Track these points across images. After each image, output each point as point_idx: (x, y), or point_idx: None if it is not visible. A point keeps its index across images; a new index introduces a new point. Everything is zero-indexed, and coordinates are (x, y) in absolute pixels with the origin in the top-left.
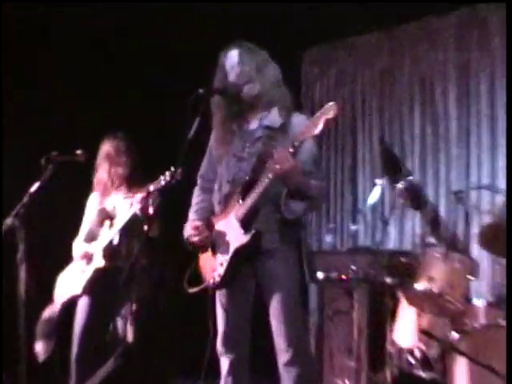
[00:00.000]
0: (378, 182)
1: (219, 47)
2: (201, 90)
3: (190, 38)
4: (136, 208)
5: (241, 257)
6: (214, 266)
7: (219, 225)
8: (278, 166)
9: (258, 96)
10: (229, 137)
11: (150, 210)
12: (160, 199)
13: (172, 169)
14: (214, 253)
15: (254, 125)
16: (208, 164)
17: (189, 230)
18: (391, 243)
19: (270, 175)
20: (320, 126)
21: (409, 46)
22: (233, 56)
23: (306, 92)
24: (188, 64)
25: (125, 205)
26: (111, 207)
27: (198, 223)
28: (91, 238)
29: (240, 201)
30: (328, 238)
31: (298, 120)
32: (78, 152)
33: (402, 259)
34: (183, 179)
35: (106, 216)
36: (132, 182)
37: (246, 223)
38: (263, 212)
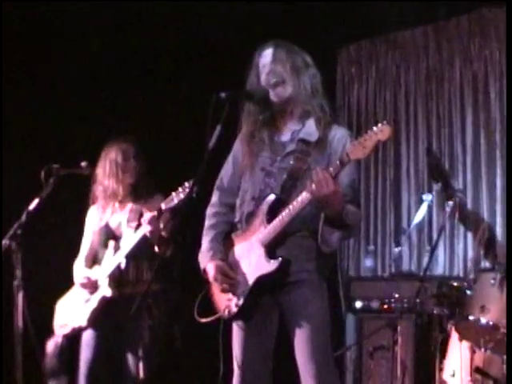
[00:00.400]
0: (425, 197)
1: (243, 47)
2: (223, 94)
3: (211, 36)
4: (145, 230)
5: (264, 287)
6: (229, 295)
7: (238, 248)
8: (317, 189)
9: (289, 100)
10: (257, 147)
11: (162, 232)
12: (173, 218)
13: (186, 184)
14: (231, 279)
15: (286, 136)
16: (231, 175)
17: (211, 270)
18: (440, 268)
19: (306, 197)
20: (369, 150)
21: (459, 41)
22: (267, 54)
23: (341, 96)
24: (205, 63)
25: (132, 222)
26: (115, 224)
27: (222, 264)
28: (93, 260)
29: (265, 222)
30: (367, 262)
31: (338, 135)
32: (83, 164)
33: (453, 286)
34: (200, 195)
35: (110, 235)
36: (139, 192)
37: (271, 249)
38: (292, 237)
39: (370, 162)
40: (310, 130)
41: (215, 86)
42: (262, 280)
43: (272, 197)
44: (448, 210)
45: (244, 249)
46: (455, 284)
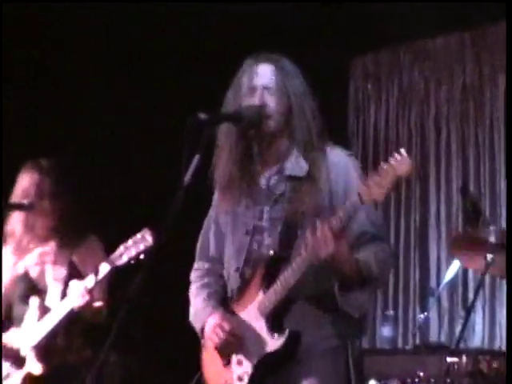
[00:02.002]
0: None
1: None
2: (202, 115)
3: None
4: (73, 304)
5: (268, 367)
6: (226, 378)
7: (233, 320)
8: (312, 254)
9: (277, 134)
10: (241, 194)
11: (97, 302)
12: (115, 279)
13: (139, 236)
14: (226, 356)
15: (268, 178)
16: (215, 240)
17: (213, 326)
18: (477, 339)
19: (305, 258)
20: (387, 190)
21: (501, 52)
22: (265, 74)
23: (354, 119)
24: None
25: (59, 277)
26: (36, 273)
27: (230, 316)
28: (9, 317)
29: (264, 289)
30: (385, 331)
31: (335, 159)
32: (25, 202)
33: (493, 362)
34: (168, 246)
35: (31, 289)
36: (66, 233)
37: (274, 320)
38: (300, 301)
39: (388, 204)
40: (296, 160)
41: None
42: (266, 360)
43: (269, 255)
44: (487, 265)
45: (240, 321)
46: (496, 360)
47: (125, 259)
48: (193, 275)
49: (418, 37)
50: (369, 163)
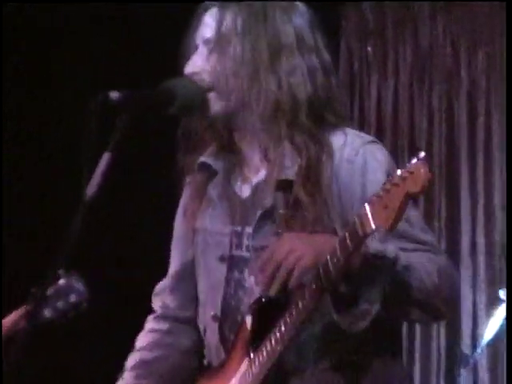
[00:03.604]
0: (504, 295)
1: None
2: (114, 94)
3: None
4: None
5: None
6: None
7: None
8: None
9: (238, 115)
10: (206, 213)
11: None
12: None
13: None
14: None
15: (250, 184)
16: (184, 270)
17: None
18: None
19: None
20: (396, 213)
21: None
22: (209, 22)
23: (348, 93)
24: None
25: None
26: None
27: None
28: None
29: (250, 351)
30: None
31: (347, 148)
32: None
33: None
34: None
35: None
36: None
37: None
38: (303, 375)
39: None
40: (288, 157)
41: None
42: None
43: (258, 301)
44: None
45: None
46: None
47: None
48: (147, 328)
49: None
50: None
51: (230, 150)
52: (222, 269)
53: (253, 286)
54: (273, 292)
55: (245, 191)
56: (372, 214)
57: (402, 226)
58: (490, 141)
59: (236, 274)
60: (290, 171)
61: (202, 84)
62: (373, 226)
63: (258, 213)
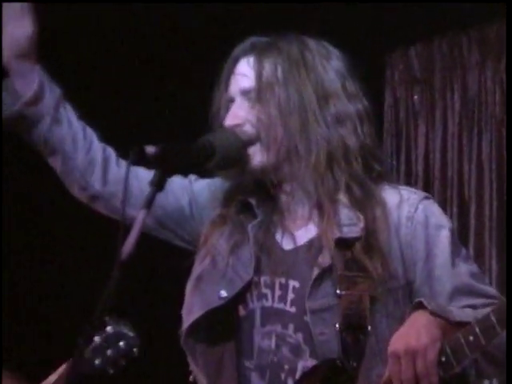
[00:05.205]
0: None
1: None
2: (150, 149)
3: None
4: None
5: None
6: None
7: None
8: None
9: (278, 167)
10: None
11: None
12: None
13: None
14: None
15: (297, 238)
16: None
17: None
18: None
19: None
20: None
21: None
22: (244, 72)
23: (393, 142)
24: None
25: None
26: None
27: None
28: None
29: None
30: None
31: (404, 205)
32: None
33: None
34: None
35: None
36: None
37: None
38: None
39: None
40: (345, 213)
41: None
42: None
43: (329, 365)
44: None
45: None
46: None
47: None
48: None
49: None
50: None
51: (271, 198)
52: (247, 315)
53: (301, 343)
54: None
55: (287, 243)
56: None
57: (468, 280)
58: None
59: (278, 328)
60: (348, 229)
61: (245, 136)
62: None
63: (316, 271)
